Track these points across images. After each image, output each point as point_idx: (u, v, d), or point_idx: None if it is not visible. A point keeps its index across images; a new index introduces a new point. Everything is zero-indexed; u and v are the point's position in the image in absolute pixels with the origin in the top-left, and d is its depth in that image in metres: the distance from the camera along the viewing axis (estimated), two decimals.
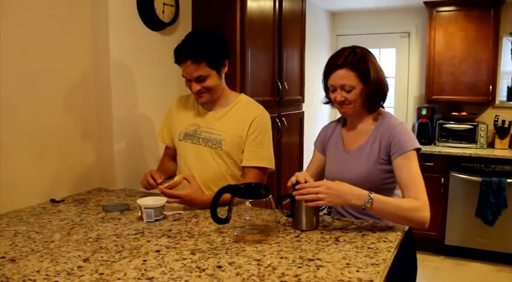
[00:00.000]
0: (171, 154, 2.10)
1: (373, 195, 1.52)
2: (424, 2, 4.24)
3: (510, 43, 4.23)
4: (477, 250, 4.03)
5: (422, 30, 4.61)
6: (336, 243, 1.44)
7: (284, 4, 2.96)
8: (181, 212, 1.77)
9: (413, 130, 4.76)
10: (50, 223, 1.66)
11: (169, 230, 1.56)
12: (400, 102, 4.88)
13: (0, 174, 1.82)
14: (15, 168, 1.88)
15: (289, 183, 1.63)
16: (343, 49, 1.71)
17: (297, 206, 1.58)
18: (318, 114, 4.81)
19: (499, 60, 4.20)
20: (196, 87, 1.82)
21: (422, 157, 4.17)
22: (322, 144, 1.93)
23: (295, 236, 1.51)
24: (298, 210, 1.58)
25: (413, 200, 1.57)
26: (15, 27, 1.85)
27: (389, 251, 1.39)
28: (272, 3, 2.85)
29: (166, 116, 2.10)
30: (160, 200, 1.69)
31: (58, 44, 2.03)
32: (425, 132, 4.45)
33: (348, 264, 1.28)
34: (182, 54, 1.79)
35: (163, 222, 1.65)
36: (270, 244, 1.43)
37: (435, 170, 4.12)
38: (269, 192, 1.48)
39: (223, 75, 1.92)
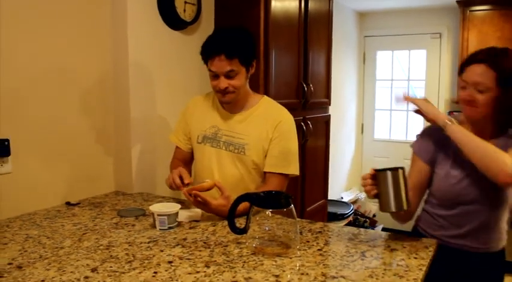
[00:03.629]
0: (184, 157, 1.99)
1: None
2: (456, 1, 4.06)
3: None
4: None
5: (455, 31, 4.42)
6: (362, 259, 1.33)
7: (310, 4, 2.85)
8: (199, 219, 1.69)
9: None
10: (63, 228, 1.60)
11: (185, 239, 1.48)
12: None
13: (16, 176, 1.78)
14: (31, 170, 1.84)
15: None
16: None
17: (382, 185, 1.41)
18: (345, 117, 4.68)
19: None
20: (224, 83, 1.72)
21: None
22: (429, 153, 1.63)
23: (318, 249, 1.40)
24: (384, 189, 1.42)
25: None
26: (34, 27, 1.81)
27: (420, 269, 1.27)
28: (298, 3, 2.75)
29: (181, 117, 1.99)
30: (174, 207, 1.61)
31: (76, 44, 1.99)
32: None
33: None
34: (215, 48, 1.69)
35: (178, 230, 1.57)
36: (291, 258, 1.33)
37: None
38: (290, 202, 1.38)
39: (249, 77, 1.83)
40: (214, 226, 1.62)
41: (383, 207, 1.44)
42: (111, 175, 2.20)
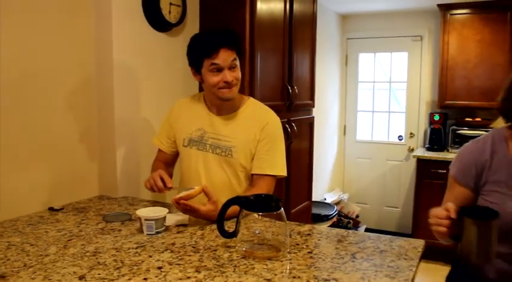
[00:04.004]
0: (166, 159, 1.97)
1: None
2: (437, 5, 4.12)
3: None
4: None
5: (435, 34, 4.50)
6: (353, 261, 1.33)
7: (295, 6, 2.85)
8: (186, 223, 1.67)
9: (425, 136, 4.64)
10: (47, 234, 1.56)
11: (173, 244, 1.46)
12: (412, 108, 4.75)
13: None
14: (13, 174, 1.79)
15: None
16: None
17: (466, 232, 1.22)
18: (327, 119, 4.70)
19: None
20: (230, 76, 1.71)
21: (435, 164, 4.05)
22: (472, 177, 1.44)
23: (308, 252, 1.40)
24: (469, 238, 1.22)
25: None
26: (16, 27, 1.76)
27: (411, 270, 1.28)
28: (283, 5, 2.75)
29: (165, 120, 1.97)
30: (161, 211, 1.58)
31: (59, 44, 1.94)
32: (437, 138, 4.32)
33: None
34: (217, 43, 1.69)
35: (166, 235, 1.54)
36: (282, 261, 1.32)
37: None
38: (280, 205, 1.37)
39: None
40: (202, 230, 1.60)
41: (464, 255, 1.27)
42: (95, 179, 2.15)
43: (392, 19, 4.70)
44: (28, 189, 1.85)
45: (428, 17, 4.51)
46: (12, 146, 1.78)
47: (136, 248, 1.42)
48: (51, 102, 1.93)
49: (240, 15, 2.43)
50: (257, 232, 1.40)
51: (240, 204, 1.39)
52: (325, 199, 4.55)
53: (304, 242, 1.49)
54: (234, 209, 1.43)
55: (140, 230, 1.57)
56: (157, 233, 1.55)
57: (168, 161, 1.98)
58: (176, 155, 1.97)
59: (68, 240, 1.49)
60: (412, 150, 4.75)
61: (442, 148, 4.30)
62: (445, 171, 3.99)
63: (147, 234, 1.54)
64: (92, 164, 2.14)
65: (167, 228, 1.60)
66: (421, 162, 4.12)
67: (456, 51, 4.12)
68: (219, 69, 1.71)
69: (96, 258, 1.33)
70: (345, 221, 4.30)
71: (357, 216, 4.57)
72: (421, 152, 4.27)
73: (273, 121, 1.85)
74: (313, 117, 3.33)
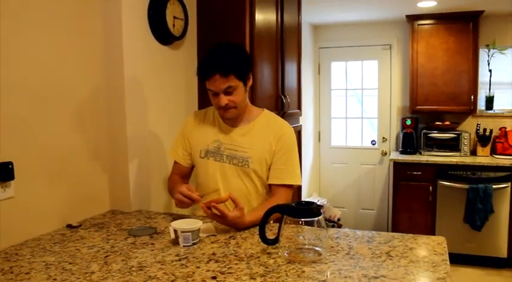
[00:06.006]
0: (183, 172, 2.00)
1: None
2: (406, 16, 4.36)
3: (486, 54, 4.42)
4: (466, 255, 4.13)
5: (403, 43, 4.74)
6: (390, 259, 1.42)
7: (285, 17, 2.95)
8: (215, 233, 1.70)
9: (397, 140, 4.86)
10: (79, 252, 1.54)
11: (214, 254, 1.48)
12: (384, 113, 4.97)
13: (18, 200, 1.67)
14: (33, 193, 1.74)
15: None
16: None
17: None
18: (303, 126, 4.81)
19: (478, 70, 4.36)
20: (225, 100, 1.75)
21: (410, 166, 4.26)
22: None
23: (346, 254, 1.47)
24: None
25: None
26: (23, 42, 1.71)
27: (445, 263, 1.38)
28: (275, 16, 2.84)
29: (181, 132, 2.00)
30: (196, 223, 1.61)
31: (68, 60, 1.90)
32: (409, 142, 4.55)
33: (414, 280, 1.25)
34: (210, 69, 1.71)
35: (202, 246, 1.56)
36: (326, 263, 1.38)
37: (423, 179, 4.20)
38: (321, 211, 1.44)
39: (247, 89, 1.87)
40: (234, 239, 1.64)
41: None
42: (106, 194, 2.12)
43: (363, 29, 4.91)
44: (46, 207, 1.80)
45: (397, 27, 4.75)
46: (30, 165, 1.73)
47: (179, 260, 1.44)
48: (62, 118, 1.88)
49: (239, 27, 2.47)
50: (301, 237, 1.46)
51: (282, 211, 1.45)
52: None
53: (338, 245, 1.56)
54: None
55: (175, 242, 1.59)
56: (193, 244, 1.57)
57: (185, 174, 2.00)
58: (192, 167, 1.99)
59: (106, 256, 1.48)
60: (386, 154, 4.96)
61: (414, 151, 4.53)
62: (420, 172, 4.21)
63: (184, 245, 1.55)
64: (103, 179, 2.11)
65: (200, 239, 1.62)
66: (396, 165, 4.32)
67: (425, 59, 4.37)
68: (216, 93, 1.76)
69: (145, 272, 1.34)
70: (329, 225, 4.41)
71: (338, 219, 4.71)
72: (396, 156, 4.47)
73: (288, 132, 1.92)
74: (301, 125, 3.43)
